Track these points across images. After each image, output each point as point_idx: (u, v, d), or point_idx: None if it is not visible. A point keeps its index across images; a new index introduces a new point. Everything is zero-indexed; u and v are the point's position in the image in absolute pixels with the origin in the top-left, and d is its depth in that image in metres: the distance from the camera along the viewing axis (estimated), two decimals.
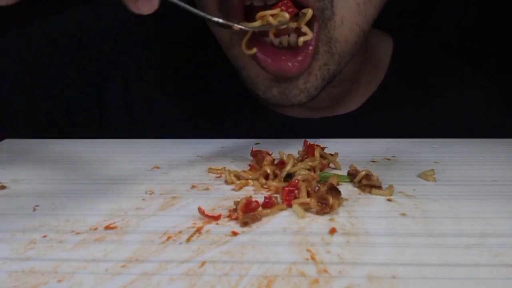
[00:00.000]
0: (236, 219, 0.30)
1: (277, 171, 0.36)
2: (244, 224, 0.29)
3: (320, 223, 0.29)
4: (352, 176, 0.36)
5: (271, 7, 0.40)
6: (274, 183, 0.35)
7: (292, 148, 0.41)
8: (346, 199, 0.33)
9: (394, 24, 0.56)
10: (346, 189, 0.35)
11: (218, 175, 0.38)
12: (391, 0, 0.45)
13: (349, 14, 0.41)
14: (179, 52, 0.55)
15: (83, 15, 0.56)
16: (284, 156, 0.37)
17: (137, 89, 0.55)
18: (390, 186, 0.34)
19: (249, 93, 0.49)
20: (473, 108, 0.57)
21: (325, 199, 0.31)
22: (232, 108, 0.54)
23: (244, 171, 0.37)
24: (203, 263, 0.25)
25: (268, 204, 0.31)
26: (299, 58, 0.41)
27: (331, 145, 0.42)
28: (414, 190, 0.34)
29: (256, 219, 0.30)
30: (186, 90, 0.55)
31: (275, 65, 0.41)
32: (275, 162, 0.38)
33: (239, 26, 0.38)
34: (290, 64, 0.41)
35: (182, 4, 0.33)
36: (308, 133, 0.45)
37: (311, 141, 0.41)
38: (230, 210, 0.31)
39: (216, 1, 0.43)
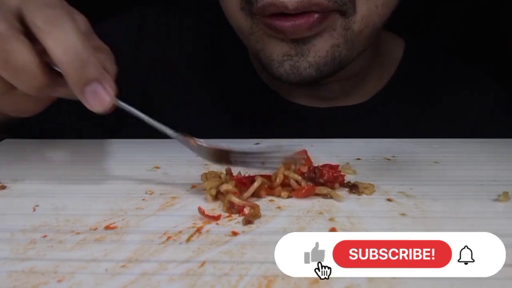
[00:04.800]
0: (238, 212, 0.30)
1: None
2: (247, 222, 0.29)
3: (320, 223, 0.29)
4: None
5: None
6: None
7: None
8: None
9: (406, 28, 0.57)
10: (345, 190, 0.35)
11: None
12: (404, 4, 0.47)
13: (369, 14, 0.44)
14: (194, 49, 0.57)
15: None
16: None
17: (155, 89, 0.56)
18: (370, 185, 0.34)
19: (259, 82, 0.51)
20: (480, 110, 0.58)
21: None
22: (242, 97, 0.56)
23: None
24: (203, 263, 0.25)
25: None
26: (313, 18, 0.43)
27: (330, 145, 0.42)
28: (414, 190, 0.34)
29: (257, 216, 0.30)
30: (199, 85, 0.56)
31: (288, 24, 0.43)
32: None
33: (198, 143, 0.35)
34: (303, 19, 0.42)
35: (137, 112, 0.33)
36: (315, 121, 0.47)
37: (312, 140, 0.41)
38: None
39: (238, 2, 0.44)
